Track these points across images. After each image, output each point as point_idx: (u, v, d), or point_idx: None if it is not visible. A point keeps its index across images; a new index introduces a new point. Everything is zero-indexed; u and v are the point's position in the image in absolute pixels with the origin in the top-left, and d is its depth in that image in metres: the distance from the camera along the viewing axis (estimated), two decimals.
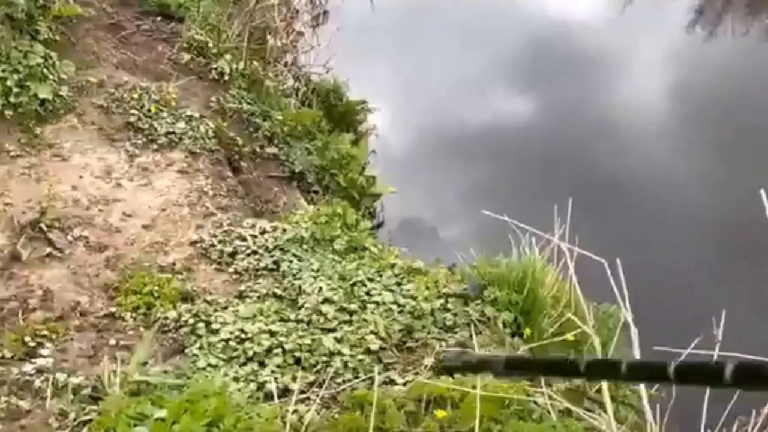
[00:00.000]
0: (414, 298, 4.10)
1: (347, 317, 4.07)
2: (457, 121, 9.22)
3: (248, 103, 6.87)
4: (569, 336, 3.75)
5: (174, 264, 4.65)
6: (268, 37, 7.73)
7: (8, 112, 5.54)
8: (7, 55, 5.62)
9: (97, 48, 6.34)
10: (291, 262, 4.55)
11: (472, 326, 3.90)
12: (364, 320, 4.02)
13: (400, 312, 4.09)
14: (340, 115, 8.43)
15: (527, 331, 3.78)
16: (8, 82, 5.56)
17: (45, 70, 5.76)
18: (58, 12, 6.04)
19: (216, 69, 6.90)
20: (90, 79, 6.01)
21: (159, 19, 7.21)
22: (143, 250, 4.80)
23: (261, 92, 7.05)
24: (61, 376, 3.58)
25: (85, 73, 6.09)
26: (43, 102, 5.69)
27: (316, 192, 6.68)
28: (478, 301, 3.97)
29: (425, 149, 8.93)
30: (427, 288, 4.13)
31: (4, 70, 5.57)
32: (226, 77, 6.91)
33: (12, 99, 5.57)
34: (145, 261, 4.67)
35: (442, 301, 4.04)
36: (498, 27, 11.08)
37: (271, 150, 6.70)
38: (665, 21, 11.53)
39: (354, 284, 4.28)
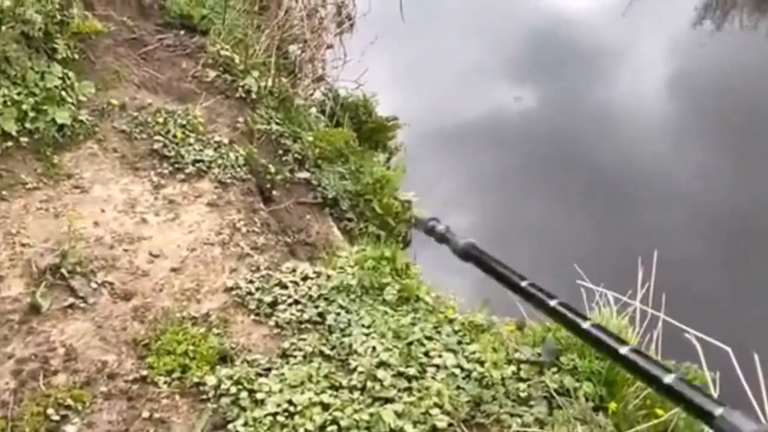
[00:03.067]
0: (480, 362, 3.66)
1: (406, 384, 3.64)
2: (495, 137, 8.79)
3: (277, 124, 6.44)
4: (660, 412, 3.31)
5: (208, 315, 4.22)
6: (296, 50, 7.29)
7: (24, 139, 5.12)
8: (22, 77, 5.19)
9: (117, 66, 5.89)
10: (338, 314, 4.12)
11: (548, 399, 3.45)
12: (426, 388, 3.57)
13: (465, 378, 3.65)
14: (371, 131, 8.00)
15: (612, 406, 3.33)
16: (24, 106, 5.13)
17: (63, 93, 5.34)
18: (77, 28, 5.60)
19: (243, 87, 6.47)
20: (111, 101, 5.57)
21: (182, 32, 6.76)
22: (173, 297, 4.37)
23: (290, 111, 6.60)
24: None
25: (106, 94, 5.66)
26: (61, 127, 5.26)
27: (350, 219, 6.25)
28: (555, 369, 3.52)
29: (456, 164, 8.49)
30: (494, 350, 3.69)
31: (19, 93, 5.15)
32: (254, 95, 6.49)
33: (28, 124, 5.15)
34: (177, 311, 4.24)
35: (513, 367, 3.59)
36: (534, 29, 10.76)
37: (303, 175, 6.27)
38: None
39: (411, 343, 3.84)
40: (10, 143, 5.04)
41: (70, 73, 5.43)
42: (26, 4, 5.18)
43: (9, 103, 5.07)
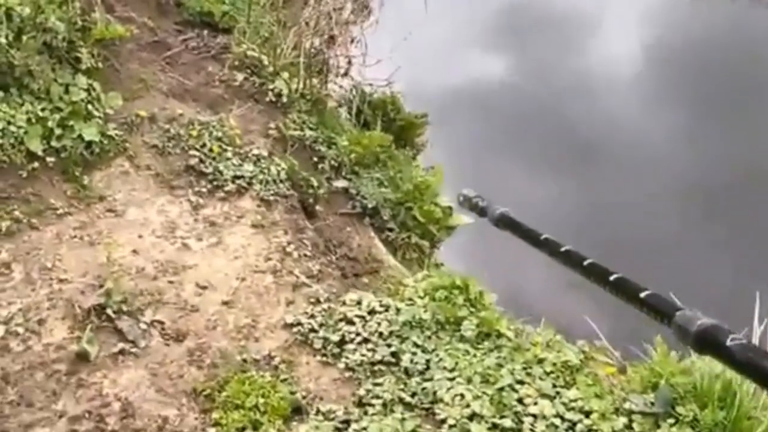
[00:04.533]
0: (584, 411, 3.32)
1: None
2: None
3: (311, 129, 6.04)
4: None
5: (271, 357, 3.86)
6: (323, 47, 6.87)
7: (50, 159, 4.71)
8: (46, 90, 4.78)
9: (143, 73, 5.46)
10: (414, 354, 3.77)
11: None
12: None
13: (569, 431, 3.29)
14: (400, 130, 7.60)
15: None
16: (49, 123, 4.72)
17: (89, 106, 4.93)
18: (100, 34, 5.16)
19: (273, 90, 6.05)
20: (140, 113, 5.16)
21: (204, 32, 6.33)
22: (229, 336, 4.00)
23: (323, 114, 6.19)
24: None
25: (133, 105, 5.25)
26: (89, 144, 4.85)
27: (390, 230, 5.87)
28: (671, 420, 3.18)
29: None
30: (597, 396, 3.34)
31: (44, 109, 4.74)
32: (285, 99, 6.06)
33: (54, 143, 4.74)
34: (235, 352, 3.87)
35: (624, 419, 3.25)
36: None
37: (340, 183, 5.87)
38: None
39: (501, 389, 3.49)
40: (36, 164, 4.65)
41: (96, 84, 5.01)
42: (47, 12, 4.75)
43: (33, 120, 4.66)
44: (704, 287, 6.86)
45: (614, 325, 4.34)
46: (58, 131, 4.74)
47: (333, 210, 5.63)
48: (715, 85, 9.01)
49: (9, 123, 4.56)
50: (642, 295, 2.05)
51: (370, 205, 5.75)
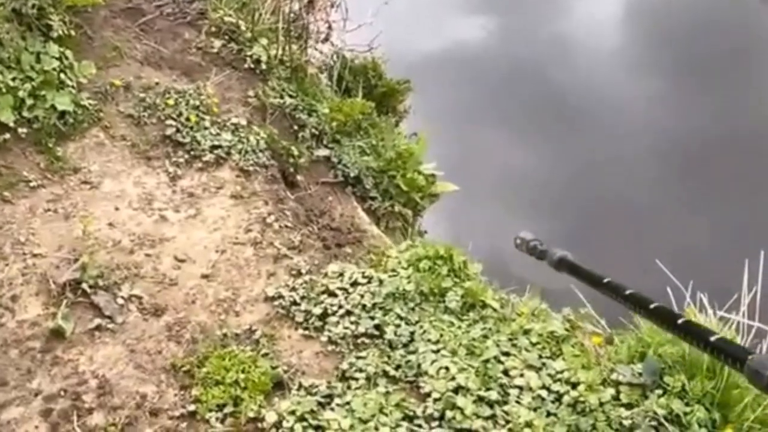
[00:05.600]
0: (571, 383, 3.27)
1: (488, 410, 3.25)
2: None
3: (290, 96, 5.91)
4: None
5: (252, 331, 3.78)
6: (303, 13, 6.72)
7: (22, 130, 4.57)
8: (17, 59, 4.63)
9: (117, 41, 5.31)
10: (397, 326, 3.70)
11: (656, 428, 3.07)
12: (512, 416, 3.17)
13: (555, 403, 3.26)
14: (382, 96, 7.47)
15: None
16: (20, 93, 4.58)
17: (62, 75, 4.78)
18: (72, 1, 4.99)
19: (251, 57, 5.90)
20: (114, 82, 5.02)
21: None
22: (209, 310, 3.92)
23: (303, 82, 6.06)
24: None
25: (107, 73, 5.11)
26: (62, 114, 4.72)
27: (373, 198, 5.77)
28: (660, 391, 3.13)
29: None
30: (584, 367, 3.28)
31: (14, 79, 4.58)
32: (263, 66, 5.92)
33: (26, 113, 4.60)
34: (215, 327, 3.79)
35: (612, 390, 3.20)
36: None
37: (322, 152, 5.76)
38: None
39: (487, 361, 3.43)
40: (7, 135, 4.52)
41: (68, 53, 4.86)
42: None
43: (4, 90, 4.52)
44: (683, 249, 6.93)
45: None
46: (29, 101, 4.60)
47: (314, 179, 5.52)
48: (697, 48, 9.03)
49: None
50: (712, 338, 2.00)
51: (352, 174, 5.65)
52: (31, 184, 4.40)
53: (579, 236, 7.85)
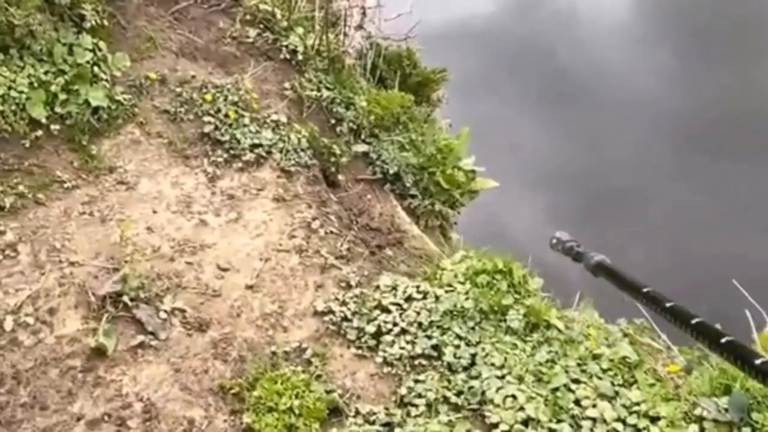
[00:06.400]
0: (651, 417, 3.04)
1: None
2: None
3: (327, 89, 5.65)
4: None
5: (302, 350, 3.58)
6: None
7: (55, 127, 4.35)
8: (49, 52, 4.39)
9: (151, 31, 5.06)
10: (457, 347, 3.49)
11: None
12: None
13: None
14: (417, 86, 7.21)
15: None
16: (53, 87, 4.35)
17: (95, 68, 4.55)
18: None
19: (287, 47, 5.65)
20: (149, 75, 4.79)
21: None
22: (255, 324, 3.71)
23: (341, 73, 5.81)
24: None
25: (142, 65, 4.86)
26: (96, 110, 4.49)
27: (413, 196, 5.54)
28: (748, 429, 2.91)
29: None
30: (663, 399, 3.06)
31: (46, 72, 4.36)
32: (300, 57, 5.66)
33: (58, 109, 4.38)
34: (263, 344, 3.58)
35: (695, 427, 2.97)
36: None
37: (360, 148, 5.52)
38: None
39: (556, 389, 3.21)
40: (39, 132, 4.29)
41: (101, 44, 4.63)
42: None
43: (36, 85, 4.29)
44: (683, 226, 6.76)
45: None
46: (62, 96, 4.37)
47: (352, 176, 5.30)
48: (704, 21, 8.82)
49: (10, 88, 4.19)
50: (757, 361, 1.78)
51: (391, 171, 5.42)
52: (65, 185, 4.19)
53: (581, 211, 7.72)
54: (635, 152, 7.50)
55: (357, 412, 3.24)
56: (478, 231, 5.64)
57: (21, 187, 4.04)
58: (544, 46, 8.61)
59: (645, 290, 2.08)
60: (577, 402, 3.21)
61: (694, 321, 1.92)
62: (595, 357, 3.39)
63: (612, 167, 7.54)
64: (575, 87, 8.05)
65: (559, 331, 3.56)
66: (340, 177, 5.02)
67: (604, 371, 3.33)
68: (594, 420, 3.13)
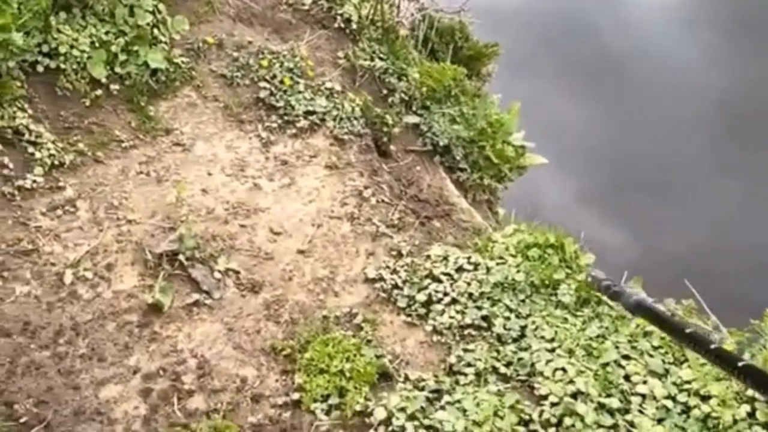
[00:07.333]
0: (702, 396, 3.03)
1: (610, 420, 3.03)
2: None
3: (381, 59, 5.65)
4: None
5: (353, 315, 3.61)
6: None
7: (114, 87, 4.41)
8: (110, 12, 4.45)
9: None
10: (507, 319, 3.49)
11: None
12: (636, 427, 2.96)
13: (683, 415, 3.04)
14: (468, 59, 7.17)
15: None
16: (113, 48, 4.40)
17: (155, 30, 4.60)
18: None
19: (342, 15, 5.65)
20: (207, 39, 4.83)
21: None
22: (306, 288, 3.75)
23: (394, 44, 5.80)
24: None
25: (200, 29, 4.90)
26: (154, 72, 4.54)
27: (462, 169, 5.54)
28: None
29: None
30: (715, 379, 3.05)
31: (108, 32, 4.41)
32: (354, 26, 5.66)
33: (118, 69, 4.43)
34: (314, 307, 3.62)
35: (747, 407, 2.96)
36: None
37: (411, 119, 5.52)
38: None
39: (606, 364, 3.21)
40: (99, 92, 4.35)
41: (161, 6, 4.66)
42: None
43: (97, 45, 4.35)
44: (711, 209, 6.66)
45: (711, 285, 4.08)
46: (122, 57, 4.43)
47: (402, 147, 5.30)
48: (752, 6, 8.66)
49: (72, 47, 4.25)
50: None
51: (441, 143, 5.43)
52: (123, 145, 4.25)
53: (616, 191, 7.63)
54: (675, 134, 7.42)
55: (406, 378, 3.27)
56: (513, 206, 5.61)
57: (81, 145, 4.10)
58: (589, 25, 8.53)
59: (688, 331, 2.06)
60: (627, 378, 3.20)
61: (741, 364, 1.91)
62: (646, 334, 3.38)
63: (651, 149, 7.43)
64: (618, 67, 7.99)
65: (610, 307, 3.56)
66: (392, 147, 5.02)
67: (655, 348, 3.33)
68: (644, 396, 3.13)
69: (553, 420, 3.07)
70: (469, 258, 3.80)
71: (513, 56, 8.10)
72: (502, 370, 3.33)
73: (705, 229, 7.10)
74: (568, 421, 3.03)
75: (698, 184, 7.05)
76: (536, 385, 3.21)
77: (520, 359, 3.33)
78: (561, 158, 7.60)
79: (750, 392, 3.02)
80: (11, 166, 3.81)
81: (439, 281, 3.71)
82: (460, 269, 3.76)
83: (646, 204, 7.36)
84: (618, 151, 7.71)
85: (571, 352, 3.29)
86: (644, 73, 7.92)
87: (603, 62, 8.05)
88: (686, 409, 3.05)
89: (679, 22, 8.58)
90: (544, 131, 7.50)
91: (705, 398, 3.05)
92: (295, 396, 3.18)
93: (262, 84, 4.70)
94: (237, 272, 3.74)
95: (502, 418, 3.03)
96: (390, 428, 3.01)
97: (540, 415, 3.08)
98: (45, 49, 4.18)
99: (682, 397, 3.09)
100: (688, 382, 3.13)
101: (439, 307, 3.59)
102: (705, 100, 7.57)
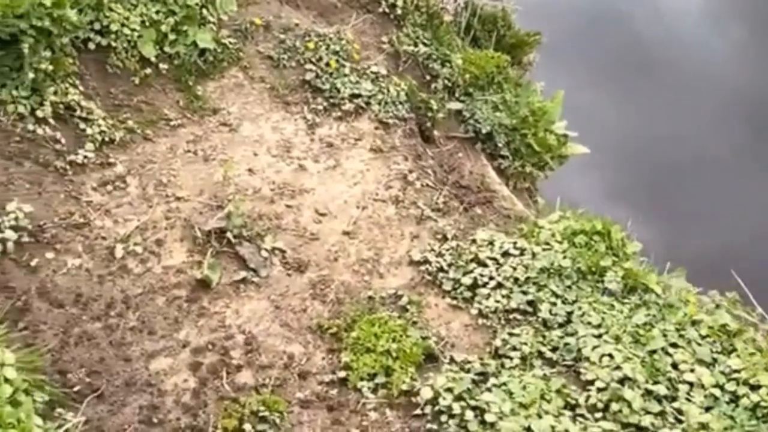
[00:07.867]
0: (751, 385, 3.02)
1: (657, 407, 3.03)
2: None
3: (424, 44, 5.64)
4: None
5: (398, 296, 3.62)
6: None
7: (163, 66, 4.46)
8: None
9: None
10: (553, 304, 3.50)
11: None
12: (684, 415, 2.95)
13: (731, 404, 3.03)
14: (510, 47, 7.12)
15: None
16: (163, 27, 4.44)
17: (204, 10, 4.64)
18: None
19: (386, 0, 5.64)
20: (255, 21, 4.86)
21: None
22: (352, 269, 3.78)
23: (438, 30, 5.79)
24: None
25: (247, 11, 4.92)
26: (203, 52, 4.58)
27: (504, 157, 5.51)
28: None
29: None
30: (765, 369, 3.04)
31: (158, 12, 4.45)
32: (398, 11, 5.65)
33: (167, 48, 4.48)
34: (360, 288, 3.64)
35: None
36: None
37: (454, 105, 5.50)
38: None
39: (653, 351, 3.20)
40: (148, 70, 4.40)
41: None
42: None
43: (147, 24, 4.39)
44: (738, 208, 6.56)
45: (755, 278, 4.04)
46: (171, 36, 4.46)
47: (444, 133, 5.30)
48: None
49: (123, 25, 4.30)
50: None
51: (483, 130, 5.41)
52: (171, 123, 4.29)
53: (646, 184, 7.53)
54: (706, 127, 7.36)
55: (452, 360, 3.29)
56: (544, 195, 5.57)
57: (130, 122, 4.15)
58: (621, 15, 8.46)
59: None
60: (674, 365, 3.20)
61: None
62: (694, 323, 3.37)
63: (680, 141, 7.33)
64: (649, 58, 7.90)
65: (657, 295, 3.55)
66: (435, 133, 5.02)
67: (703, 337, 3.32)
68: (691, 384, 3.12)
69: (600, 405, 3.07)
70: (515, 243, 3.81)
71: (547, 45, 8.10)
72: (548, 354, 3.33)
73: (746, 221, 7.02)
74: (615, 406, 3.03)
75: (735, 176, 6.95)
76: (582, 371, 3.22)
77: (566, 344, 3.33)
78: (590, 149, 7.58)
79: None
80: (63, 141, 3.86)
81: (485, 265, 3.71)
82: (505, 254, 3.76)
83: (682, 195, 7.26)
84: (647, 141, 7.61)
85: (617, 339, 3.29)
86: (675, 65, 7.92)
87: (633, 53, 8.03)
88: (735, 398, 3.05)
89: (712, 15, 8.68)
90: (572, 122, 7.47)
91: (754, 387, 3.04)
92: (342, 374, 3.20)
93: (308, 66, 4.72)
94: (283, 251, 3.76)
95: (548, 401, 3.04)
96: (436, 408, 3.03)
97: (587, 400, 3.09)
98: (97, 26, 4.23)
99: (730, 386, 3.09)
100: (737, 372, 3.12)
101: (484, 291, 3.60)
102: (735, 92, 7.60)
